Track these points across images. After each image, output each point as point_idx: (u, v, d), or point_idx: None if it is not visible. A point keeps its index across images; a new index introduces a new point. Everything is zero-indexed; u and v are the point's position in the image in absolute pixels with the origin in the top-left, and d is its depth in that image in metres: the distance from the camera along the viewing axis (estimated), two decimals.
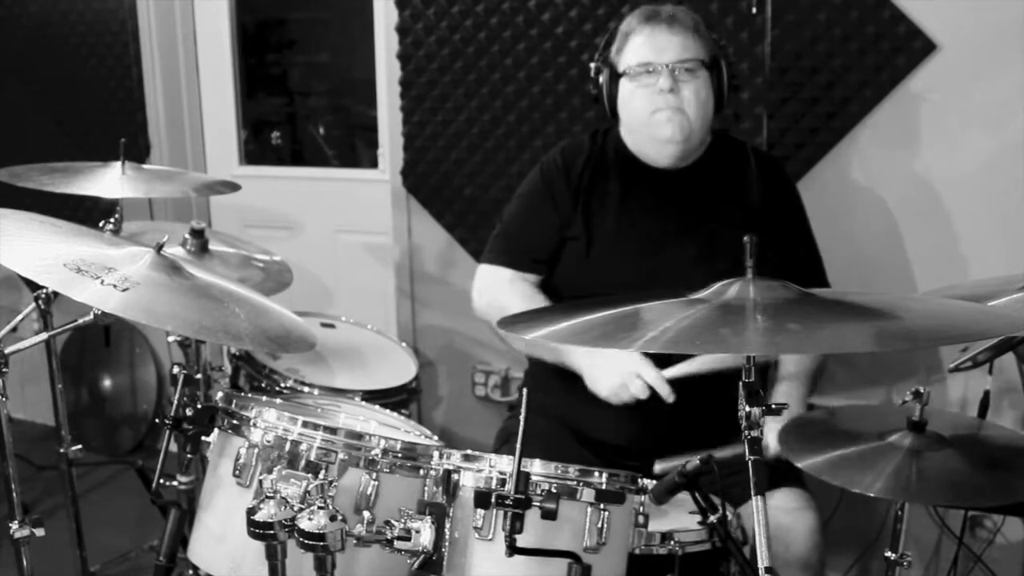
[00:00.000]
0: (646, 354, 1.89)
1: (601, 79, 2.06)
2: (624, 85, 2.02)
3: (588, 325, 1.37)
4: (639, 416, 1.94)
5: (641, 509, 1.51)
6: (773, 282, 1.35)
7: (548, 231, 2.13)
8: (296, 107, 3.86)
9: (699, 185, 2.08)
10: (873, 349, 1.37)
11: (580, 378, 1.99)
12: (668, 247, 2.06)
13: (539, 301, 2.07)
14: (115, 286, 1.49)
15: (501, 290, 2.14)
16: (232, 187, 2.59)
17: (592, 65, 2.08)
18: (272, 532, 1.34)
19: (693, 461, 1.44)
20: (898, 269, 2.55)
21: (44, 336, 1.84)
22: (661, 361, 1.89)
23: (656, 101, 1.96)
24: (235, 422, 1.63)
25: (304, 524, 1.33)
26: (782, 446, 1.57)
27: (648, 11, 2.01)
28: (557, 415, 2.08)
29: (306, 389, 2.46)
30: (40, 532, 1.79)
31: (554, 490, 1.43)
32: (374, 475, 1.55)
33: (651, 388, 1.88)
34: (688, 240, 2.05)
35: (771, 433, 1.71)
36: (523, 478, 1.35)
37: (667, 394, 1.87)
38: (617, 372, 1.90)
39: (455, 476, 1.47)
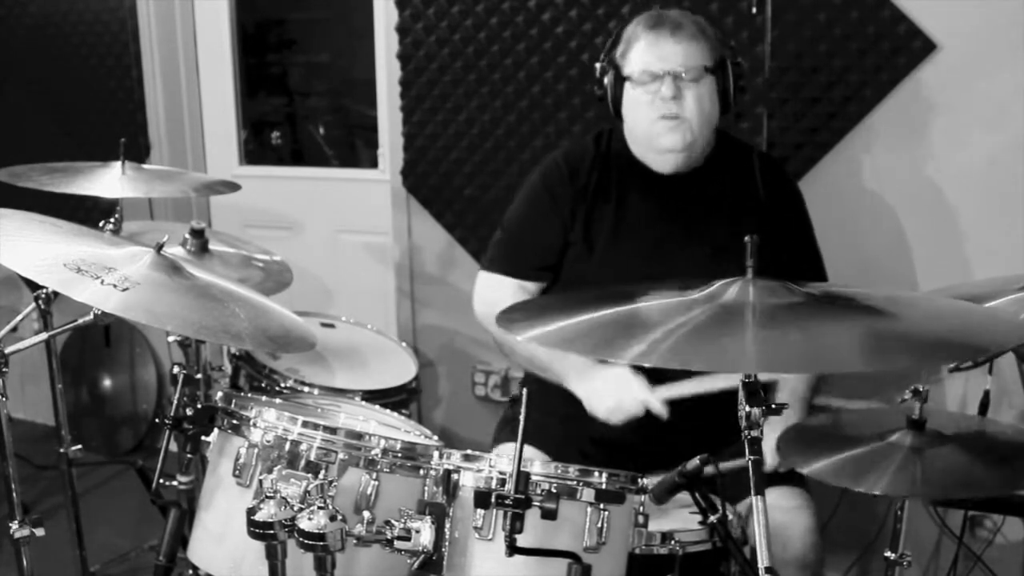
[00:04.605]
0: (643, 370, 1.89)
1: (606, 80, 2.04)
2: (628, 90, 2.00)
3: (586, 328, 1.36)
4: (640, 418, 1.94)
5: (641, 509, 1.51)
6: (773, 283, 1.35)
7: (551, 237, 2.11)
8: (296, 107, 3.86)
9: (702, 189, 2.07)
10: (880, 367, 1.30)
11: None
12: (671, 251, 2.05)
13: None
14: (115, 286, 1.50)
15: (502, 299, 2.11)
16: (232, 187, 2.59)
17: (597, 65, 2.07)
18: (272, 532, 1.34)
19: (693, 461, 1.44)
20: (899, 268, 2.54)
21: (44, 336, 1.84)
22: (657, 376, 1.89)
23: (659, 108, 1.95)
24: (235, 422, 1.63)
25: (304, 524, 1.33)
26: (780, 456, 1.58)
27: (653, 17, 2.00)
28: (558, 413, 2.08)
29: (306, 389, 2.45)
30: (40, 532, 1.79)
31: (554, 490, 1.43)
32: (374, 475, 1.55)
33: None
34: (691, 244, 2.05)
35: (769, 447, 1.72)
36: (523, 478, 1.35)
37: (661, 413, 1.88)
38: (612, 395, 1.92)
39: (455, 476, 1.47)
